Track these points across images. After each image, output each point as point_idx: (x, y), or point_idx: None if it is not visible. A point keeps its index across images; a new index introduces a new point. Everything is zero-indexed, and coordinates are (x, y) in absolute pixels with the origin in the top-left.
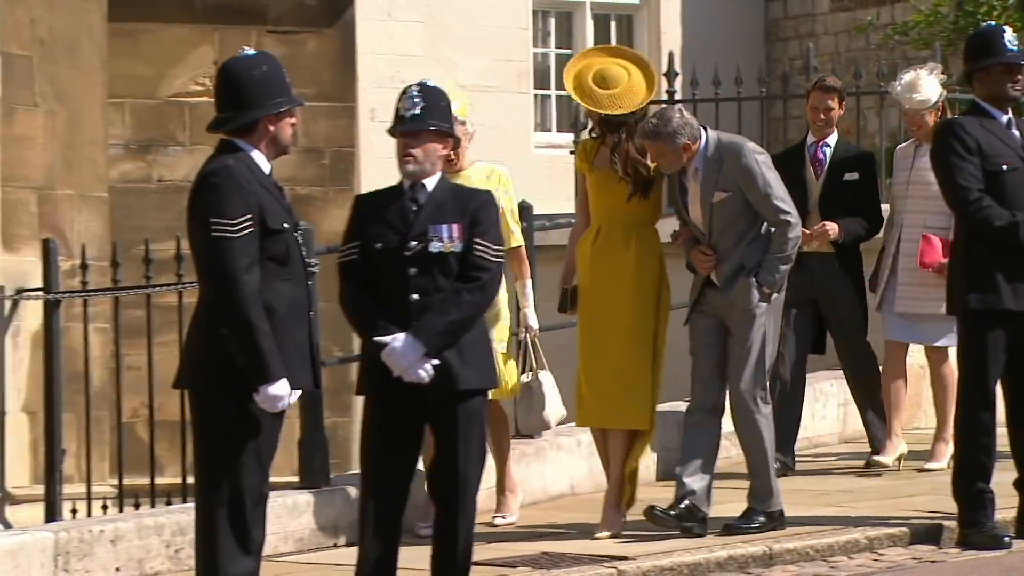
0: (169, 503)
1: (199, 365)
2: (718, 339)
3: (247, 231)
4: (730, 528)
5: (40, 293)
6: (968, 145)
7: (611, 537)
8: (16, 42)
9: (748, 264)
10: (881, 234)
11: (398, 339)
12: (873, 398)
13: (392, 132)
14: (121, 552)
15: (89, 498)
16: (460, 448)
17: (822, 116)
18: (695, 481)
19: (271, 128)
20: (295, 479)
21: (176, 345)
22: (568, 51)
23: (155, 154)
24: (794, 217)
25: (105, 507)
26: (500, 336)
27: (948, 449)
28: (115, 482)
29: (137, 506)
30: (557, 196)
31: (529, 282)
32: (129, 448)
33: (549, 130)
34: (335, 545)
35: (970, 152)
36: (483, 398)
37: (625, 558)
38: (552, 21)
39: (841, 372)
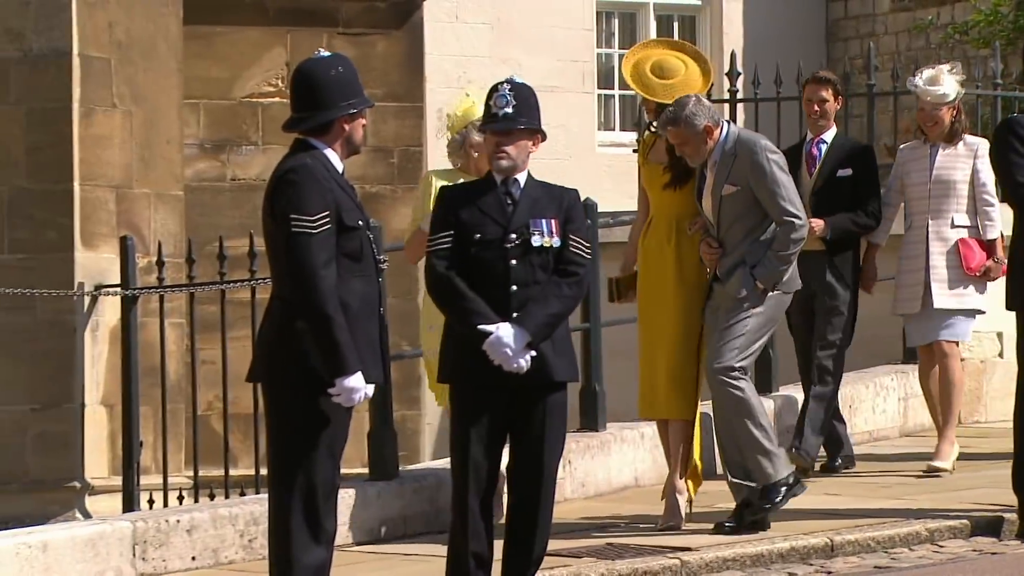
0: (243, 494)
1: (272, 359)
2: None
3: (325, 228)
4: (720, 527)
5: (118, 289)
6: None
7: (673, 528)
8: (95, 45)
9: (750, 261)
10: (879, 233)
11: (502, 328)
12: (826, 410)
13: (483, 129)
14: (197, 541)
15: (166, 489)
16: (546, 439)
17: (816, 108)
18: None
19: (346, 128)
20: (365, 471)
21: (249, 340)
22: None
23: (229, 153)
24: (799, 219)
25: (181, 498)
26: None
27: (953, 450)
28: (190, 473)
29: (212, 496)
30: (620, 194)
31: None
32: (204, 440)
33: (612, 129)
34: (404, 536)
35: None
36: (566, 391)
37: (688, 549)
38: (616, 22)
39: (901, 366)
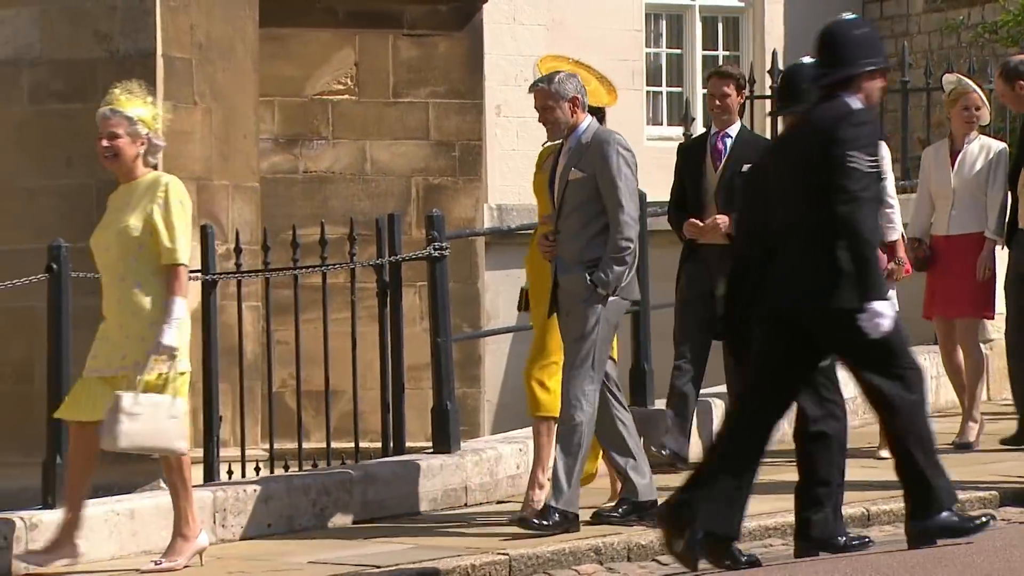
0: (315, 466)
1: (835, 285)
2: None
3: (875, 171)
4: (600, 516)
5: (198, 275)
6: None
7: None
8: (177, 46)
9: (586, 258)
10: None
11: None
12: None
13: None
14: (272, 510)
15: (243, 460)
16: None
17: (718, 103)
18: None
19: (866, 85)
20: (429, 444)
21: (320, 322)
22: (678, 51)
23: (301, 148)
24: (630, 218)
25: (257, 469)
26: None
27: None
28: (266, 446)
29: (286, 468)
30: (668, 185)
31: (178, 299)
32: (278, 415)
33: (660, 124)
34: (465, 504)
35: None
36: None
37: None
38: (663, 23)
39: (934, 346)
